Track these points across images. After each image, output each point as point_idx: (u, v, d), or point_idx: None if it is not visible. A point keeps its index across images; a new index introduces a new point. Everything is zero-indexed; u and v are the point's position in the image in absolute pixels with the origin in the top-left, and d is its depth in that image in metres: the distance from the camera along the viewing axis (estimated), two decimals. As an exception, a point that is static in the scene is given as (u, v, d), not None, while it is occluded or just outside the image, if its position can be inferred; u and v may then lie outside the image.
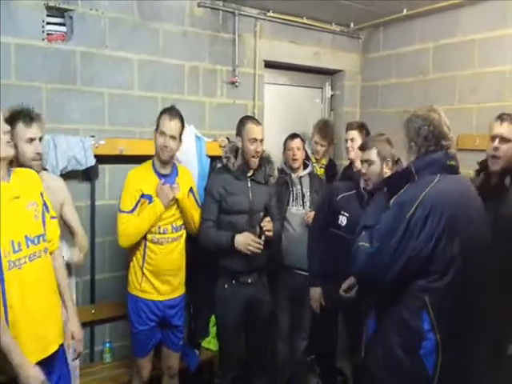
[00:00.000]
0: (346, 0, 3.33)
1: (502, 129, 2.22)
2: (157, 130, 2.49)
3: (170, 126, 2.45)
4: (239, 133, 2.67)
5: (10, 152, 1.80)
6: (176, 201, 2.51)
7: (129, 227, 2.43)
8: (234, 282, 2.67)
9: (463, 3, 3.25)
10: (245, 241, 2.54)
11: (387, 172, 2.44)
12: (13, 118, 2.08)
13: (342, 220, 2.72)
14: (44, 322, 1.83)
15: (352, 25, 3.96)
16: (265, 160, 2.77)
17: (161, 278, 2.53)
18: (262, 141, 2.66)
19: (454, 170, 1.80)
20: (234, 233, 2.57)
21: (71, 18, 2.83)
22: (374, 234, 1.76)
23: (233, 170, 2.66)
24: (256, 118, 3.01)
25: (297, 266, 3.08)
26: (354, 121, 3.62)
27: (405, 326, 1.72)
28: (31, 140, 2.14)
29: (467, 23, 3.32)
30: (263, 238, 2.56)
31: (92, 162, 2.78)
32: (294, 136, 3.25)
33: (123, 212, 2.45)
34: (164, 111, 2.50)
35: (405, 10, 3.51)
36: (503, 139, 2.21)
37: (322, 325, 2.99)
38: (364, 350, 1.91)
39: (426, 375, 1.68)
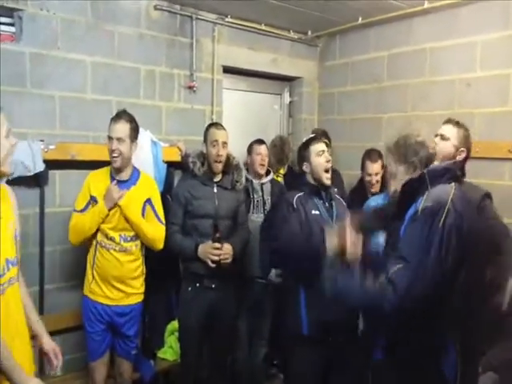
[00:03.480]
0: (303, 8, 3.37)
1: None
2: None
3: (115, 128, 2.41)
4: (204, 139, 2.73)
5: None
6: (118, 208, 2.43)
7: (76, 225, 2.47)
8: (197, 285, 2.67)
9: (415, 13, 3.34)
10: (204, 251, 2.57)
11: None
12: None
13: None
14: (24, 351, 1.70)
15: (309, 33, 4.01)
16: (233, 166, 2.78)
17: (108, 283, 2.49)
18: (224, 144, 2.66)
19: (460, 180, 1.75)
20: (197, 242, 2.59)
21: (20, 18, 2.72)
22: (403, 251, 1.57)
23: (199, 175, 2.68)
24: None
25: (256, 274, 3.08)
26: None
27: (427, 347, 1.61)
28: None
29: (419, 33, 3.43)
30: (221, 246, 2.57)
31: (41, 167, 2.67)
32: (260, 142, 3.27)
33: (75, 211, 2.50)
34: (113, 117, 2.48)
35: (360, 19, 3.59)
36: None
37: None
38: (371, 376, 1.78)
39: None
